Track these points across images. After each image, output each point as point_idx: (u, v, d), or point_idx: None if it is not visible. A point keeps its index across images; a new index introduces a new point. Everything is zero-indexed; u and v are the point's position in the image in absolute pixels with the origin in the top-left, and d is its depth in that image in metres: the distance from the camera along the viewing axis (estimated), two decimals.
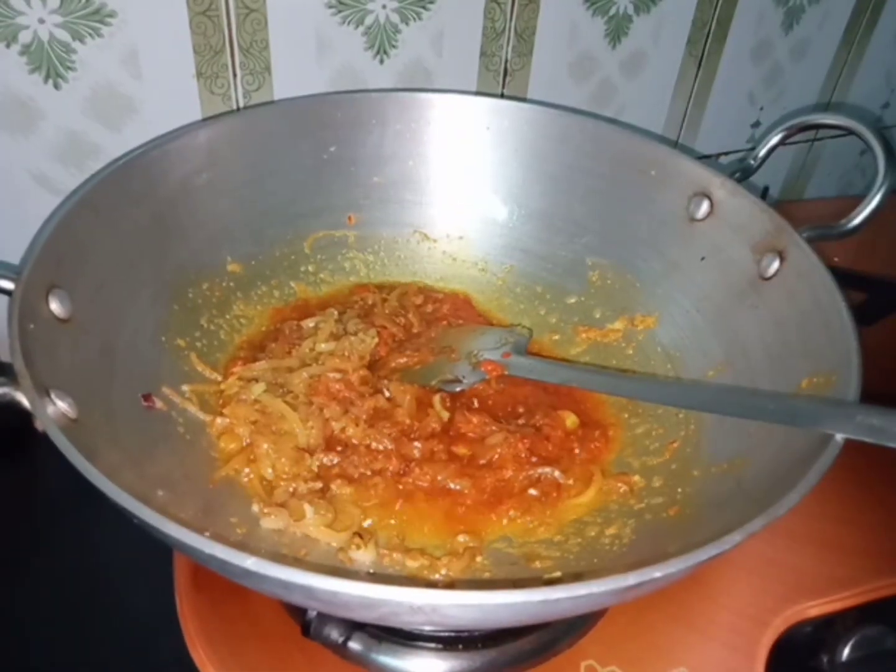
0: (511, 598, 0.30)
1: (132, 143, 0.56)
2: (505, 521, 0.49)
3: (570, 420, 0.55)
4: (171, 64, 0.57)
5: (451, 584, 0.45)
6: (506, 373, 0.57)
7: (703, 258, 0.58)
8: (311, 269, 0.64)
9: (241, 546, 0.33)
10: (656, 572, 0.32)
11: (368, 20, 0.62)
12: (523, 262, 0.66)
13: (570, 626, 0.48)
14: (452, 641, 0.46)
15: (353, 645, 0.45)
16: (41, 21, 0.52)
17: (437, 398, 0.55)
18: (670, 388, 0.56)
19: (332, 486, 0.50)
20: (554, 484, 0.51)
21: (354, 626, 0.45)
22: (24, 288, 0.42)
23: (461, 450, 0.53)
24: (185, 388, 0.53)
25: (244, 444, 0.51)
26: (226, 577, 0.35)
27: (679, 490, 0.49)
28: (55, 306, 0.44)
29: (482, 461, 0.52)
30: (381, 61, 0.64)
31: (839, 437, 0.40)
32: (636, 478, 0.52)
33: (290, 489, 0.49)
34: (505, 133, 0.63)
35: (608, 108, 0.76)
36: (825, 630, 0.52)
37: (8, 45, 0.52)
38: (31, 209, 0.54)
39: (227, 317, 0.59)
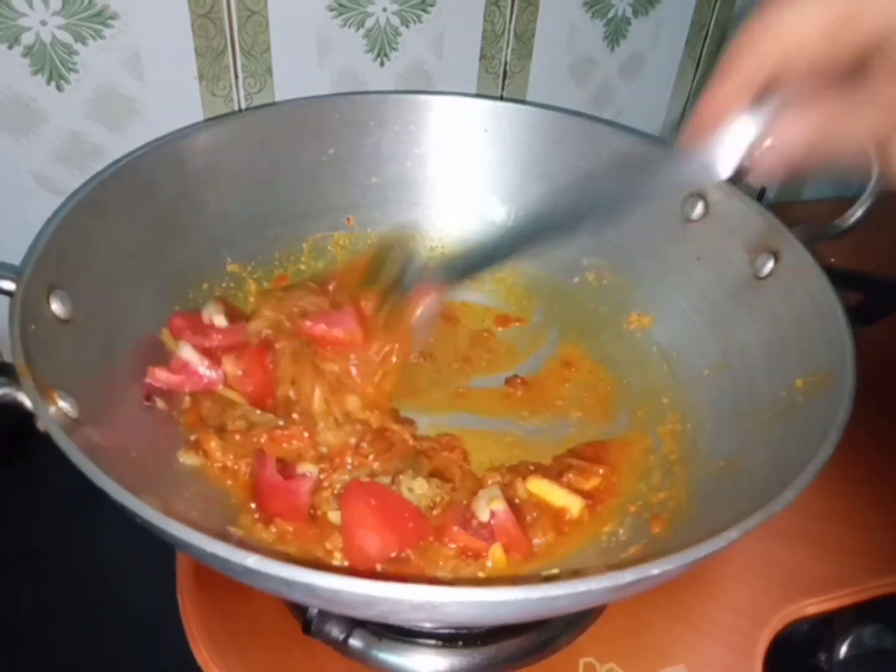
0: (510, 596, 0.31)
1: (134, 145, 0.56)
2: None
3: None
4: (173, 66, 0.58)
5: (451, 582, 0.45)
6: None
7: (698, 258, 0.58)
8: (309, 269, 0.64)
9: (242, 545, 0.33)
10: (653, 569, 0.32)
11: (369, 23, 0.62)
12: (521, 262, 0.66)
13: (569, 624, 0.49)
14: (452, 638, 0.46)
15: (354, 642, 0.45)
16: (43, 23, 0.52)
17: None
18: None
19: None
20: None
21: (355, 624, 0.45)
22: (25, 288, 0.42)
23: None
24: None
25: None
26: (227, 575, 0.35)
27: (676, 488, 0.50)
28: (56, 307, 0.44)
29: None
30: (382, 64, 0.65)
31: None
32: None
33: None
34: (503, 135, 0.63)
35: (607, 110, 0.77)
36: (823, 628, 0.52)
37: (10, 47, 0.53)
38: (33, 210, 0.54)
39: None
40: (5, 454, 0.59)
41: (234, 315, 0.56)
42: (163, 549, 0.48)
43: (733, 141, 0.37)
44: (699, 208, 0.58)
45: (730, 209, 0.56)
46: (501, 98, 0.71)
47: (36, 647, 0.50)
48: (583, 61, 0.72)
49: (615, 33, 0.72)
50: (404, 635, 0.46)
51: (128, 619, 0.51)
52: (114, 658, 0.49)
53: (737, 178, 0.58)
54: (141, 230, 0.53)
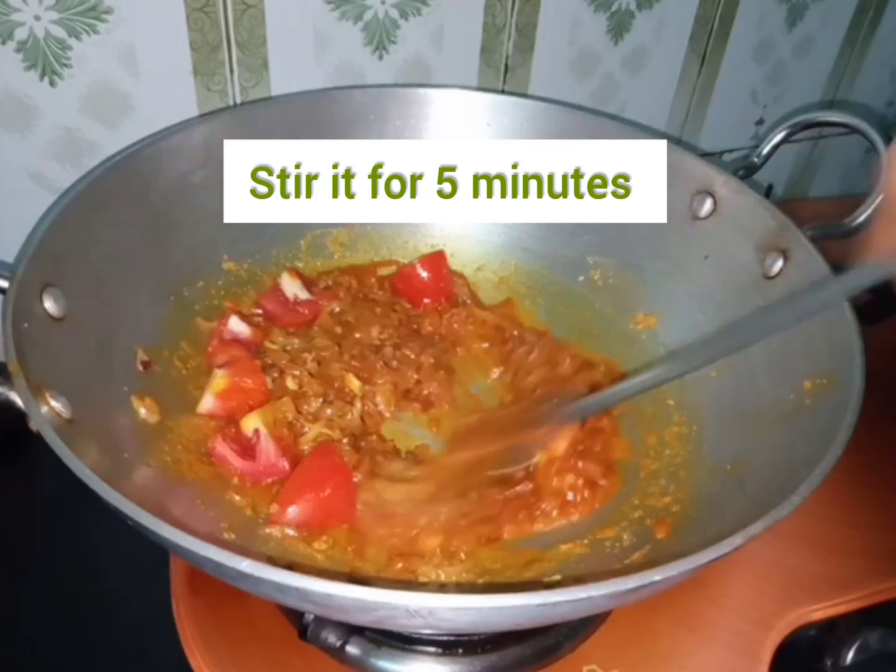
0: (508, 602, 0.30)
1: (129, 141, 0.55)
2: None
3: None
4: (168, 60, 0.57)
5: (448, 588, 0.44)
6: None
7: (706, 257, 0.58)
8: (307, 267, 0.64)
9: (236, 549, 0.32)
10: (656, 575, 0.31)
11: (367, 15, 0.61)
12: (524, 261, 0.65)
13: (573, 630, 0.48)
14: (452, 646, 0.46)
15: (351, 649, 0.44)
16: (37, 18, 0.52)
17: None
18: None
19: None
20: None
21: (352, 630, 0.44)
22: (18, 286, 0.41)
23: None
24: None
25: None
26: (221, 579, 0.34)
27: (681, 493, 0.49)
28: (49, 305, 0.44)
29: None
30: (381, 57, 0.64)
31: None
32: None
33: None
34: (505, 129, 0.62)
35: (610, 104, 0.76)
36: (829, 633, 0.51)
37: (3, 43, 0.52)
38: (27, 207, 0.53)
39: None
40: (0, 454, 0.58)
41: (305, 281, 0.61)
42: (158, 552, 0.48)
43: None
44: (707, 205, 0.57)
45: (739, 206, 0.55)
46: (503, 92, 0.70)
47: (31, 648, 0.49)
48: (585, 55, 0.71)
49: (618, 27, 0.71)
50: (403, 642, 0.45)
51: (123, 621, 0.51)
52: (108, 660, 0.49)
53: (746, 174, 0.57)
54: (136, 227, 0.52)
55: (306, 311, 0.59)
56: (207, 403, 0.51)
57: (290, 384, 0.53)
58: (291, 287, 0.60)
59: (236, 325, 0.56)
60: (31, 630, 0.50)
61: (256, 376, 0.52)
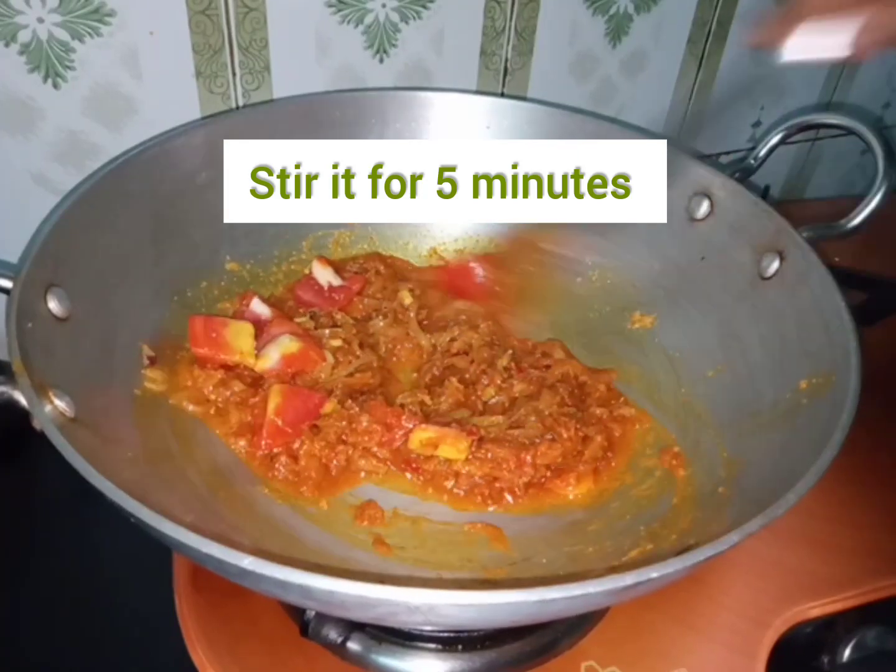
0: (508, 598, 0.30)
1: (131, 143, 0.56)
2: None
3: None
4: (171, 63, 0.57)
5: (448, 584, 0.44)
6: None
7: (702, 258, 0.58)
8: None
9: (238, 545, 0.33)
10: (653, 573, 0.32)
11: (368, 19, 0.62)
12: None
13: (571, 627, 0.48)
14: (452, 642, 0.46)
15: (352, 645, 0.45)
16: (40, 20, 0.52)
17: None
18: None
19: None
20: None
21: (353, 627, 0.44)
22: (22, 286, 0.42)
23: None
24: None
25: None
26: (223, 576, 0.35)
27: (678, 490, 0.49)
28: (53, 305, 0.44)
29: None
30: (381, 60, 0.64)
31: None
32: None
33: None
34: (505, 132, 0.63)
35: (609, 107, 0.76)
36: (826, 631, 0.52)
37: (7, 45, 0.52)
38: (30, 209, 0.54)
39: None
40: (3, 453, 0.59)
41: (335, 266, 0.62)
42: (162, 549, 0.48)
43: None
44: (704, 207, 0.58)
45: (735, 208, 0.56)
46: (503, 95, 0.70)
47: (32, 647, 0.49)
48: (584, 58, 0.72)
49: (617, 30, 0.71)
50: (403, 639, 0.45)
51: (125, 619, 0.51)
52: (111, 659, 0.49)
53: (743, 176, 0.58)
54: (139, 228, 0.53)
55: (341, 297, 0.61)
56: (272, 360, 0.53)
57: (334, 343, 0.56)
58: (324, 275, 0.61)
59: (258, 307, 0.57)
60: (31, 630, 0.50)
61: (320, 351, 0.55)
